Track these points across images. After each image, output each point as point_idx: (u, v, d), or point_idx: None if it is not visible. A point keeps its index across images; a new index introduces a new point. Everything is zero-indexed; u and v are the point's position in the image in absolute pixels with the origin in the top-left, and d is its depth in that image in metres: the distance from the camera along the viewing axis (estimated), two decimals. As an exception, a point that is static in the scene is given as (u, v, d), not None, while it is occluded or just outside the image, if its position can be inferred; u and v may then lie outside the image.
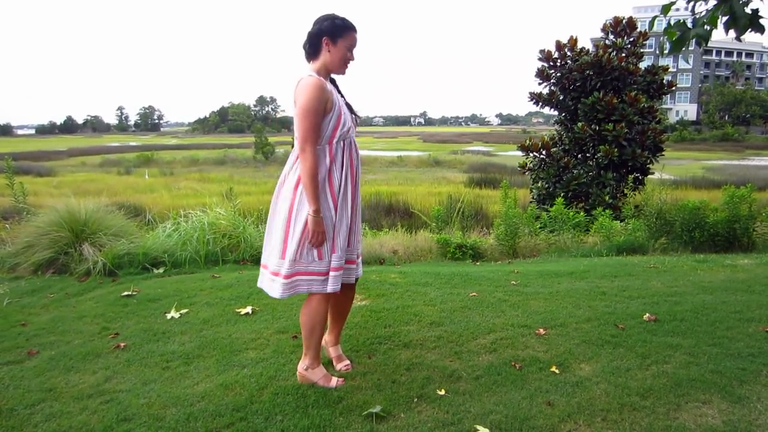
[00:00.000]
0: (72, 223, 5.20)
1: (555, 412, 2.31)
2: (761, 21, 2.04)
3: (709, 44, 2.22)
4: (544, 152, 10.35)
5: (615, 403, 2.37)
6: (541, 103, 10.64)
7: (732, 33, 2.10)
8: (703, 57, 75.42)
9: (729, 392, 2.46)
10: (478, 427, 2.20)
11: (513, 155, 29.36)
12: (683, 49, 2.16)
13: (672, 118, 69.16)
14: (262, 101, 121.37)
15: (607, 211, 7.41)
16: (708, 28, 2.11)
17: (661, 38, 2.27)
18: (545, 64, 10.46)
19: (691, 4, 2.21)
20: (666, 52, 2.22)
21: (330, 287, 2.43)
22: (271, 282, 2.48)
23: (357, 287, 2.95)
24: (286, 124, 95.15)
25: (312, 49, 2.44)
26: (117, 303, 3.95)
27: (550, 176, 9.90)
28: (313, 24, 2.44)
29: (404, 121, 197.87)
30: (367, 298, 3.87)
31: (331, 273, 2.44)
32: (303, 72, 2.43)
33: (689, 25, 2.18)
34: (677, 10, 2.31)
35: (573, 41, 10.35)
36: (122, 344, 3.12)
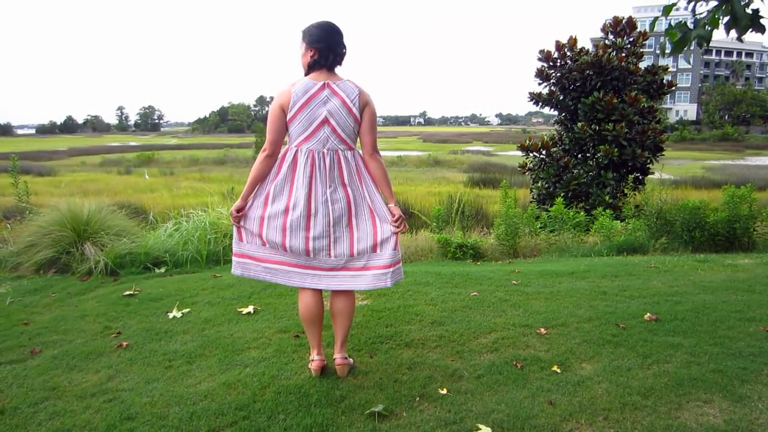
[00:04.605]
0: (74, 222, 5.21)
1: (556, 411, 2.32)
2: (762, 21, 2.05)
3: (709, 44, 2.23)
4: (543, 152, 10.34)
5: (616, 403, 2.38)
6: (540, 103, 10.64)
7: (733, 33, 2.11)
8: (703, 57, 75.38)
9: (730, 391, 2.47)
10: (480, 425, 2.21)
11: (513, 155, 29.36)
12: (684, 49, 2.17)
13: (672, 118, 69.16)
14: (262, 101, 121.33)
15: (607, 210, 7.42)
16: (709, 28, 2.12)
17: (662, 39, 2.28)
18: (545, 64, 10.45)
19: (692, 4, 2.21)
20: (667, 52, 2.22)
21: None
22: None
23: None
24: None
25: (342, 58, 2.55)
26: (119, 302, 3.96)
27: (550, 176, 9.90)
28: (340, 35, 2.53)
29: (404, 120, 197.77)
30: (368, 297, 3.88)
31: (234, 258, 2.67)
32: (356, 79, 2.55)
33: (690, 25, 2.19)
34: (677, 9, 2.31)
35: (573, 41, 10.35)
36: (124, 343, 3.13)
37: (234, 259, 2.67)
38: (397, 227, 2.55)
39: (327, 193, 2.48)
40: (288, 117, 2.46)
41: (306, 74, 2.52)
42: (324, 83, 2.46)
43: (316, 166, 2.47)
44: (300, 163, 2.48)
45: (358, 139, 2.58)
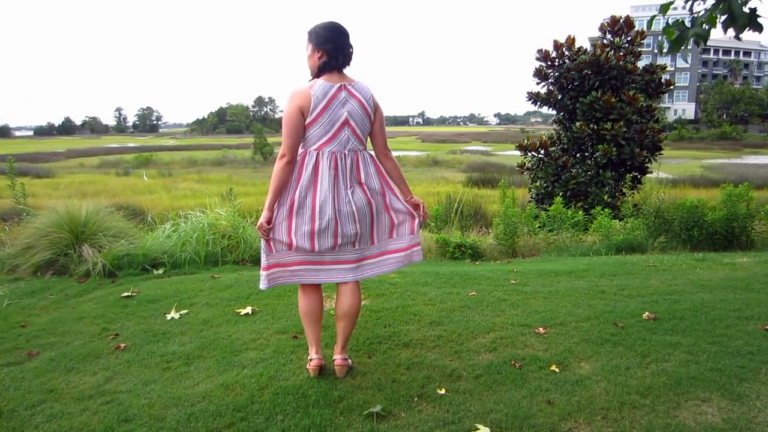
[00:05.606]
0: (72, 224, 5.19)
1: (555, 410, 2.32)
2: (759, 20, 2.05)
3: (707, 43, 2.23)
4: (542, 152, 10.36)
5: (615, 402, 2.38)
6: (539, 103, 10.65)
7: (731, 32, 2.11)
8: (701, 56, 75.61)
9: (728, 390, 2.46)
10: (479, 425, 2.21)
11: (511, 155, 29.35)
12: (682, 48, 2.17)
13: (670, 117, 69.28)
14: (260, 102, 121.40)
15: (605, 210, 7.42)
16: (707, 27, 2.12)
17: (660, 38, 2.28)
18: (543, 64, 10.46)
19: (689, 3, 2.21)
20: (665, 51, 2.22)
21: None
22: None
23: None
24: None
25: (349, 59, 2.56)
26: (117, 304, 3.95)
27: (549, 175, 9.91)
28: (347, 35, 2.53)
29: (402, 121, 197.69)
30: (366, 297, 3.87)
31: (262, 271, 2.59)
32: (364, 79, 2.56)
33: (688, 24, 2.18)
34: (675, 8, 2.32)
35: (571, 41, 10.36)
36: (122, 345, 3.12)
37: (262, 273, 2.57)
38: (423, 215, 2.70)
39: (348, 194, 2.49)
40: (308, 120, 2.44)
41: (316, 76, 2.50)
42: (341, 85, 2.46)
43: (339, 168, 2.47)
44: (323, 167, 2.45)
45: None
